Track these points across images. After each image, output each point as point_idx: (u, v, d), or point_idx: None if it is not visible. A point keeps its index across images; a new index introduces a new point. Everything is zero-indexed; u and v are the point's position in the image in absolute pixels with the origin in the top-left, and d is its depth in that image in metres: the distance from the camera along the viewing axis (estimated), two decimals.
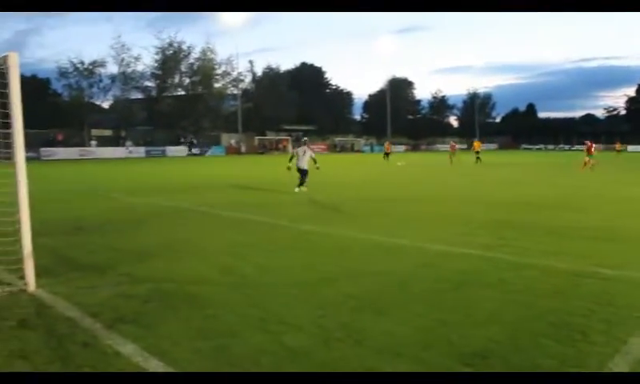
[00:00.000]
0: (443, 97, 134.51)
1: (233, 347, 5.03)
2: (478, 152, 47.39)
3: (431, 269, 8.10)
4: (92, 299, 6.62)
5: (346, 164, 48.63)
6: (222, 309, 6.20)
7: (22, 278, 7.11)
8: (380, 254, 9.25)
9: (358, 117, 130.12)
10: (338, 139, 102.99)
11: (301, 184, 20.05)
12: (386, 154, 51.06)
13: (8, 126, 7.09)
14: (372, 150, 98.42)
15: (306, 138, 24.89)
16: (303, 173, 20.28)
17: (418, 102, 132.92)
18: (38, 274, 7.23)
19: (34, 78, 79.34)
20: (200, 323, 5.71)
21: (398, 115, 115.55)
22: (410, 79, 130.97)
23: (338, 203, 16.78)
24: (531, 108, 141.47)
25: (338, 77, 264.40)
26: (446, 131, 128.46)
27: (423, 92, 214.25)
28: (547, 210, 14.98)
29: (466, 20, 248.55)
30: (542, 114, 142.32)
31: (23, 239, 7.08)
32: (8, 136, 7.11)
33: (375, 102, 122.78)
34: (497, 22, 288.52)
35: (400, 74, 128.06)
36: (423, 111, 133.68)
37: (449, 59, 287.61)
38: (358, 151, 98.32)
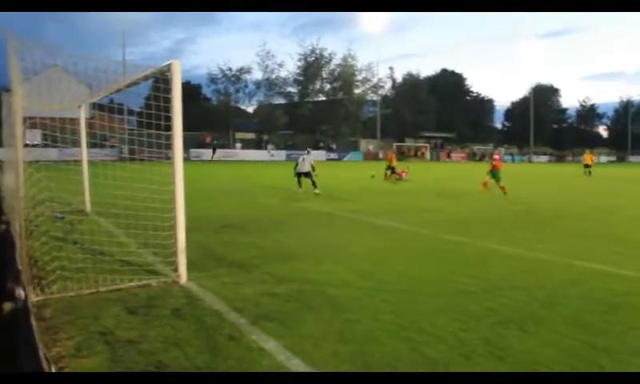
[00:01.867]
0: (592, 105, 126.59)
1: (372, 353, 5.04)
2: (588, 165, 43.43)
3: (579, 287, 7.63)
4: (237, 295, 6.93)
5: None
6: (361, 314, 6.24)
7: (175, 270, 7.63)
8: (522, 268, 8.83)
9: (499, 125, 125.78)
10: (477, 148, 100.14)
11: (314, 186, 21.75)
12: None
13: (169, 128, 7.62)
14: (513, 160, 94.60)
15: (309, 149, 27.44)
16: (307, 175, 22.26)
17: (564, 110, 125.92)
18: (189, 268, 7.72)
19: (187, 83, 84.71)
20: (340, 326, 5.78)
21: (542, 124, 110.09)
22: (555, 86, 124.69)
23: (477, 213, 16.31)
24: None
25: (478, 83, 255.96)
26: (594, 142, 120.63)
27: (570, 100, 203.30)
28: None
29: (618, 22, 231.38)
30: None
31: (178, 234, 7.59)
32: (168, 138, 7.65)
33: (518, 110, 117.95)
34: None
35: (545, 81, 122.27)
36: (570, 120, 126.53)
37: (598, 65, 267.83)
38: None
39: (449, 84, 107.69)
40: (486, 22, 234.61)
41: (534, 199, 21.77)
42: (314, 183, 21.82)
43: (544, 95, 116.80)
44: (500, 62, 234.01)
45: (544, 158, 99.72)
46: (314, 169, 22.34)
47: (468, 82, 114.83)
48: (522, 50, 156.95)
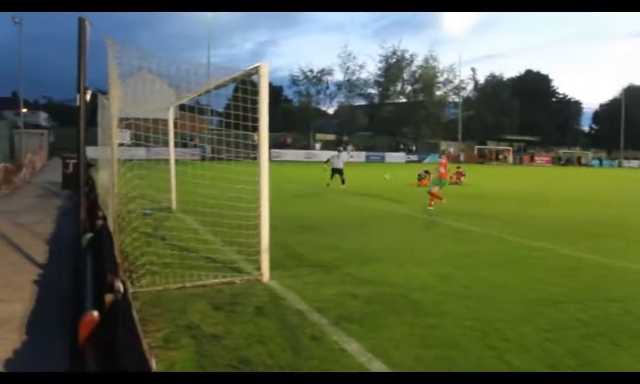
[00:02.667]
0: None
1: (455, 359, 4.98)
2: None
3: None
4: (319, 295, 7.00)
5: (580, 179, 45.28)
6: (443, 318, 6.17)
7: (259, 269, 7.79)
8: (614, 279, 8.44)
9: (586, 128, 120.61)
10: (562, 151, 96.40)
11: (342, 182, 24.10)
12: None
13: (253, 129, 7.80)
14: (601, 165, 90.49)
15: (340, 148, 29.86)
16: (339, 172, 24.45)
17: None
18: (271, 266, 7.87)
19: (269, 85, 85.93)
20: (422, 330, 5.74)
21: (634, 127, 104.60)
22: None
23: (563, 219, 15.72)
24: None
25: (565, 84, 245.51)
26: None
27: None
28: None
29: None
30: None
31: (262, 233, 7.75)
32: (252, 138, 7.83)
33: (607, 112, 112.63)
34: None
35: (638, 82, 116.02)
36: None
37: None
38: (586, 165, 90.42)
39: (533, 85, 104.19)
40: (573, 20, 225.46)
41: (624, 206, 20.78)
42: (343, 180, 24.17)
43: (636, 97, 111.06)
44: (588, 62, 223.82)
45: (635, 163, 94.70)
46: (343, 164, 24.68)
47: (554, 84, 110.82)
48: (613, 49, 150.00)
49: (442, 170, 18.24)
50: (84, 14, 6.31)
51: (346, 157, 24.83)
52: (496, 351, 5.22)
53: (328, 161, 25.62)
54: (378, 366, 4.80)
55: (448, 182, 19.11)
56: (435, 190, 17.78)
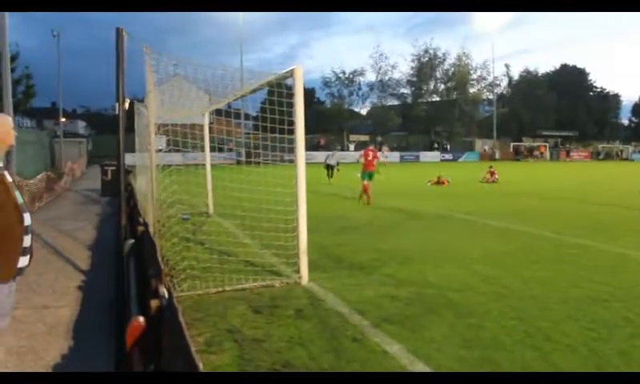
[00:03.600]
0: None
1: (499, 360, 4.91)
2: None
3: None
4: (358, 297, 6.98)
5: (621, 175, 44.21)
6: (485, 319, 6.09)
7: (297, 271, 7.80)
8: None
9: (625, 121, 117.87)
10: (601, 146, 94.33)
11: (330, 176, 28.40)
12: None
13: (288, 132, 7.82)
14: None
15: (335, 151, 34.96)
16: (332, 167, 28.56)
17: None
18: (309, 269, 7.88)
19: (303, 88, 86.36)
20: (463, 331, 5.67)
21: None
22: None
23: (602, 215, 15.38)
24: None
25: (603, 78, 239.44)
26: None
27: None
28: None
29: None
30: None
31: (300, 236, 7.77)
32: (287, 141, 7.85)
33: None
34: None
35: None
36: None
37: None
38: (626, 159, 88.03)
39: (570, 80, 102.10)
40: (608, 14, 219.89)
41: None
42: (331, 175, 28.39)
43: None
44: (627, 53, 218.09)
45: None
46: (337, 164, 28.74)
47: (591, 77, 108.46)
48: None
49: (363, 160, 18.81)
50: (115, 18, 6.42)
51: (337, 158, 29.50)
52: (540, 352, 5.13)
53: (327, 159, 29.63)
54: (420, 368, 4.76)
55: (375, 173, 18.60)
56: (364, 183, 18.28)
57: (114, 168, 19.19)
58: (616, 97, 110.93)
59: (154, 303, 2.91)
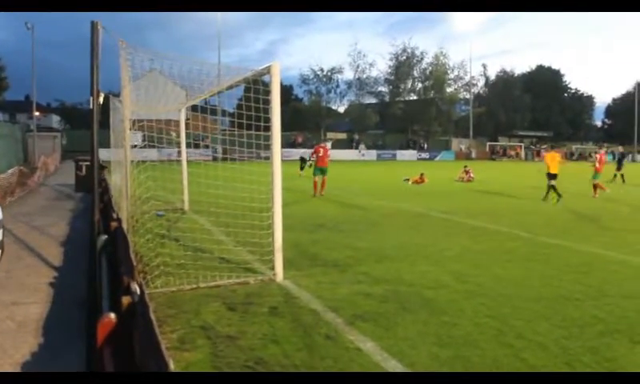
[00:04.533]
0: None
1: (471, 358, 4.95)
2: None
3: None
4: (333, 294, 7.00)
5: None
6: (458, 316, 6.14)
7: (272, 269, 7.79)
8: (630, 275, 8.37)
9: (599, 123, 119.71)
10: (575, 147, 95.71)
11: (302, 169, 32.05)
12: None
13: (264, 128, 7.80)
14: (614, 159, 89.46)
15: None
16: (304, 161, 32.76)
17: None
18: (284, 266, 7.88)
19: (280, 84, 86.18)
20: (437, 329, 5.72)
21: None
22: None
23: (576, 215, 15.61)
24: None
25: (577, 79, 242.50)
26: None
27: None
28: None
29: None
30: None
31: (275, 233, 7.76)
32: (263, 138, 7.82)
33: (620, 107, 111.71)
34: None
35: None
36: None
37: None
38: None
39: (545, 81, 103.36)
40: (584, 14, 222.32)
41: (638, 200, 20.60)
42: (302, 168, 32.03)
43: None
44: (601, 56, 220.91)
45: None
46: (309, 159, 28.67)
47: (566, 78, 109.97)
48: (625, 43, 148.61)
49: (314, 157, 20.68)
50: (96, 16, 6.34)
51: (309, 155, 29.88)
52: (512, 349, 5.19)
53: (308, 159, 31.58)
54: (393, 365, 4.78)
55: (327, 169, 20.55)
56: (315, 178, 20.21)
57: (88, 163, 18.94)
58: (590, 98, 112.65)
59: (125, 300, 2.88)
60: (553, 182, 19.17)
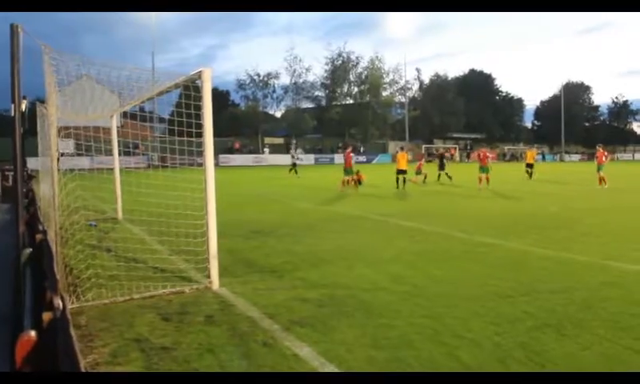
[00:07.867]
0: (625, 101, 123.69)
1: (407, 359, 4.99)
2: (530, 165, 37.05)
3: (618, 289, 7.43)
4: (269, 301, 6.94)
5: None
6: (395, 318, 6.19)
7: (208, 276, 7.67)
8: (558, 270, 8.66)
9: (529, 124, 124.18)
10: (507, 148, 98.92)
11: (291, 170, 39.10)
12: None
13: (199, 135, 7.67)
14: (543, 159, 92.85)
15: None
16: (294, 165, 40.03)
17: (596, 107, 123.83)
18: (220, 274, 7.76)
19: (216, 89, 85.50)
20: (374, 331, 5.74)
21: (573, 122, 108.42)
22: (586, 83, 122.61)
23: (508, 214, 16.06)
24: None
25: (508, 83, 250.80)
26: (627, 139, 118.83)
27: (602, 97, 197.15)
28: None
29: None
30: None
31: (209, 241, 7.63)
32: (199, 144, 7.70)
33: (548, 109, 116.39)
34: None
35: (576, 79, 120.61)
36: (602, 117, 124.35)
37: (633, 61, 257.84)
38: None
39: (477, 84, 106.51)
40: (514, 19, 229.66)
41: (565, 199, 21.39)
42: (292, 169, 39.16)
43: (575, 93, 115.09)
44: (529, 60, 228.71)
45: (576, 157, 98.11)
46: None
47: (497, 82, 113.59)
48: (552, 47, 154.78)
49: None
50: (24, 17, 6.10)
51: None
52: (447, 348, 5.26)
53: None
54: (331, 370, 4.77)
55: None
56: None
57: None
58: (520, 101, 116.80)
59: (46, 316, 2.76)
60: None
